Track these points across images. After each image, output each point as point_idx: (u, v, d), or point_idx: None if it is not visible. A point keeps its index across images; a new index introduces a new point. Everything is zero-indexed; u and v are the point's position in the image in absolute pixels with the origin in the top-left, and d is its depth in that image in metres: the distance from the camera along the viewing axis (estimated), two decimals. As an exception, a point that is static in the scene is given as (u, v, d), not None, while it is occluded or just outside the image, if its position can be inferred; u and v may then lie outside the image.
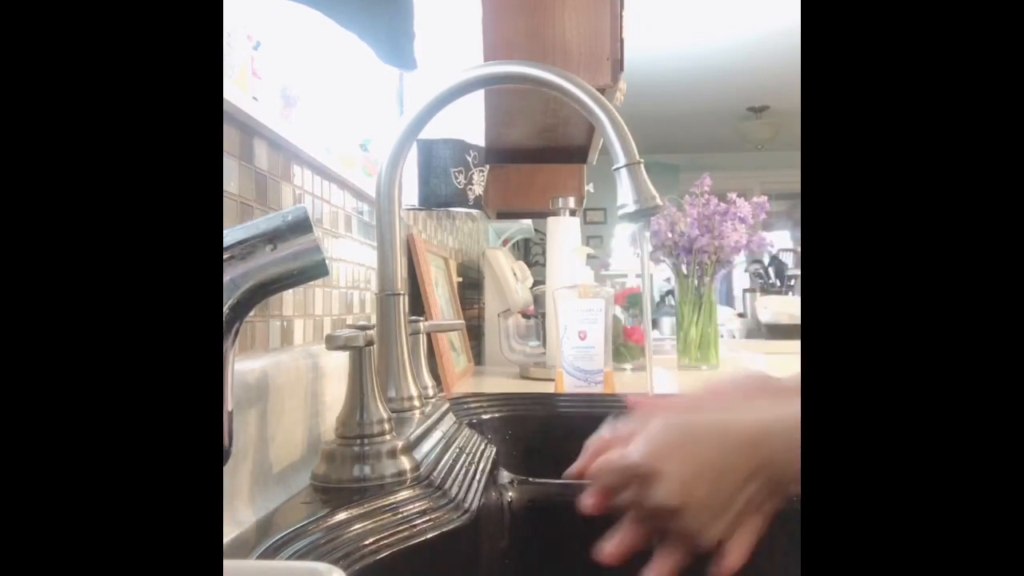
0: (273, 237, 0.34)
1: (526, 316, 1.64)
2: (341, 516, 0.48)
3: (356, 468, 0.55)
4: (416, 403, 0.70)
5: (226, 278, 0.33)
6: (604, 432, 0.48)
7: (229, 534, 0.45)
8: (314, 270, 0.34)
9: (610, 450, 0.46)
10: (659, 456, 0.42)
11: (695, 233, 1.52)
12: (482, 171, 1.31)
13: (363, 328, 0.56)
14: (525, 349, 1.49)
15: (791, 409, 0.41)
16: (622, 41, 1.01)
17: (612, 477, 0.45)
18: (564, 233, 1.40)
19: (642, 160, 0.63)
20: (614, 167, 0.63)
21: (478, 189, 1.30)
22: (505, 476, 0.83)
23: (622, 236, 5.02)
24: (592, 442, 0.48)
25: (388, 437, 0.57)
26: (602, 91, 0.81)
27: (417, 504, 0.53)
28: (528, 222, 2.21)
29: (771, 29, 3.69)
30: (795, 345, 1.76)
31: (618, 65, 1.00)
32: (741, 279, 5.54)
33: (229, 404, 0.33)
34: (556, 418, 1.07)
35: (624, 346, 1.49)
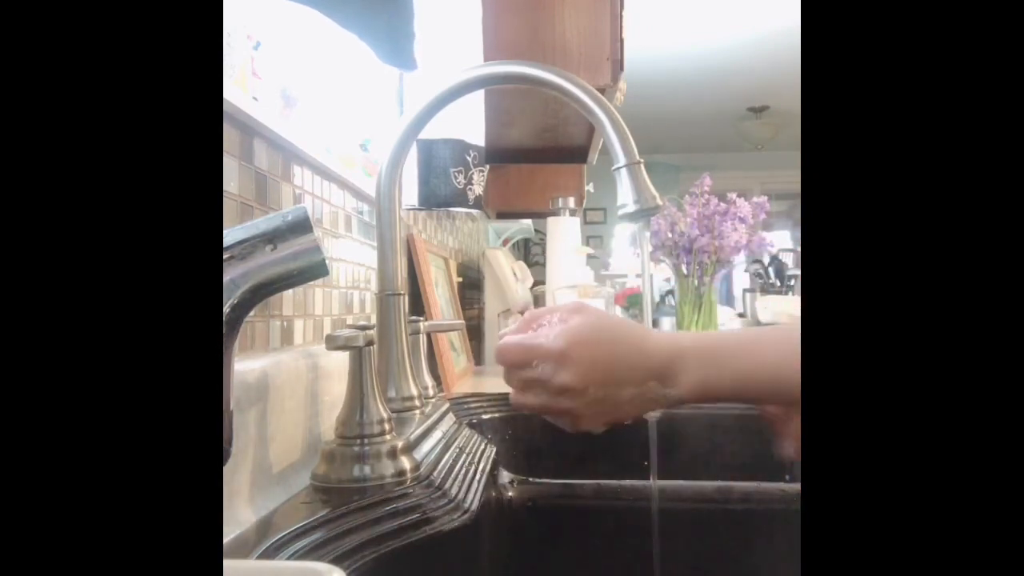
0: (273, 237, 0.34)
1: (526, 316, 1.63)
2: (341, 516, 0.48)
3: (356, 468, 0.55)
4: (416, 403, 0.70)
5: (226, 278, 0.33)
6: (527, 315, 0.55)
7: (229, 534, 0.45)
8: (314, 270, 0.34)
9: (528, 330, 0.53)
10: (573, 343, 0.50)
11: (695, 233, 1.52)
12: (482, 171, 1.31)
13: (363, 328, 0.56)
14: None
15: (691, 338, 0.51)
16: (622, 41, 1.01)
17: (524, 354, 0.52)
18: (564, 233, 1.40)
19: (642, 160, 0.63)
20: (614, 167, 0.63)
21: (478, 189, 1.30)
22: (505, 476, 0.83)
23: (622, 236, 5.02)
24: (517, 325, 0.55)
25: (388, 437, 0.57)
26: (602, 91, 0.81)
27: (417, 504, 0.53)
28: (528, 222, 2.21)
29: (771, 29, 3.69)
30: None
31: (618, 65, 1.00)
32: (741, 279, 5.54)
33: (229, 404, 0.33)
34: (556, 418, 1.07)
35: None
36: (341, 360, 0.64)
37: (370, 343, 0.56)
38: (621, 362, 0.50)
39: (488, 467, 0.73)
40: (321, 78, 0.97)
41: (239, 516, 0.48)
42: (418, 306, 1.16)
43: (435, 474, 0.60)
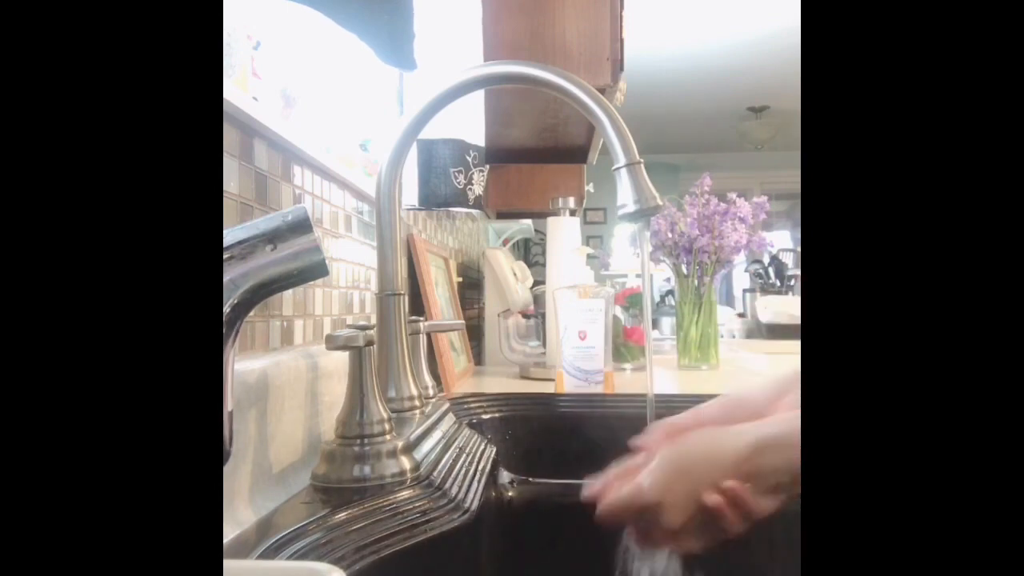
0: (273, 237, 0.34)
1: (526, 316, 1.64)
2: (341, 516, 0.48)
3: (356, 468, 0.55)
4: (416, 403, 0.70)
5: (226, 278, 0.33)
6: (611, 471, 0.54)
7: (229, 534, 0.45)
8: (314, 270, 0.34)
9: (618, 484, 0.52)
10: (663, 488, 0.49)
11: (695, 233, 1.52)
12: (482, 171, 1.31)
13: (363, 328, 0.56)
14: (525, 349, 1.49)
15: (770, 428, 0.49)
16: (622, 41, 1.01)
17: (622, 511, 0.51)
18: (564, 233, 1.40)
19: (642, 160, 0.63)
20: (614, 167, 0.63)
21: (478, 189, 1.30)
22: (505, 476, 0.83)
23: (622, 236, 5.02)
24: (604, 479, 0.54)
25: (388, 437, 0.57)
26: (602, 91, 0.81)
27: (417, 504, 0.53)
28: (528, 222, 2.21)
29: (771, 29, 3.69)
30: (795, 345, 1.76)
31: (618, 65, 1.00)
32: (741, 279, 5.54)
33: (229, 404, 0.33)
34: (556, 418, 1.07)
35: (624, 346, 1.49)
36: (341, 360, 0.64)
37: (370, 343, 0.56)
38: (705, 488, 0.49)
39: (488, 467, 0.73)
40: (321, 78, 0.97)
41: (239, 516, 0.48)
42: (418, 306, 1.16)
43: (435, 474, 0.60)
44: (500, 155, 1.50)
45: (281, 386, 0.57)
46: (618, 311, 1.59)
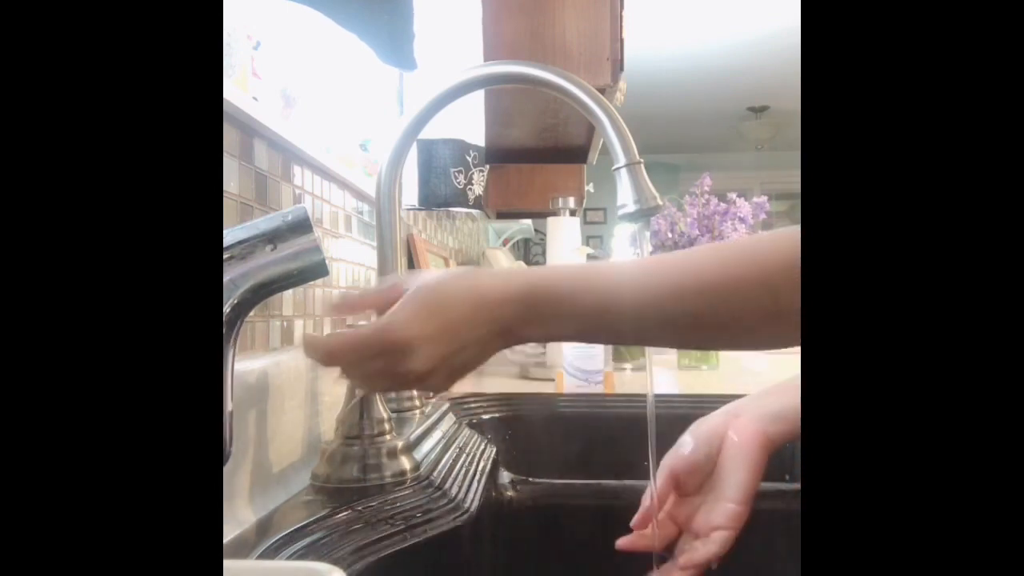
0: (273, 237, 0.34)
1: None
2: (341, 516, 0.48)
3: (356, 468, 0.55)
4: (416, 403, 0.70)
5: (226, 278, 0.33)
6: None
7: (229, 534, 0.45)
8: (314, 270, 0.34)
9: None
10: (413, 322, 0.44)
11: (695, 233, 1.52)
12: (482, 171, 1.31)
13: (363, 328, 0.56)
14: (525, 349, 1.49)
15: (535, 274, 0.46)
16: (622, 41, 1.01)
17: (358, 352, 0.45)
18: (564, 233, 1.40)
19: (642, 160, 0.63)
20: (614, 167, 0.63)
21: (478, 189, 1.30)
22: (505, 476, 0.83)
23: (622, 236, 5.02)
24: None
25: (388, 437, 0.57)
26: (602, 91, 0.81)
27: (417, 504, 0.53)
28: (528, 222, 2.21)
29: (771, 29, 3.69)
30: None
31: (618, 65, 1.00)
32: (741, 279, 5.53)
33: (229, 404, 0.33)
34: (556, 418, 1.07)
35: (624, 346, 1.49)
36: (341, 360, 0.64)
37: (370, 343, 0.56)
38: (463, 326, 0.45)
39: (488, 467, 0.73)
40: (321, 78, 0.97)
41: (239, 516, 0.48)
42: (418, 306, 1.16)
43: (435, 474, 0.60)
44: (500, 155, 1.50)
45: (281, 386, 0.57)
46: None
